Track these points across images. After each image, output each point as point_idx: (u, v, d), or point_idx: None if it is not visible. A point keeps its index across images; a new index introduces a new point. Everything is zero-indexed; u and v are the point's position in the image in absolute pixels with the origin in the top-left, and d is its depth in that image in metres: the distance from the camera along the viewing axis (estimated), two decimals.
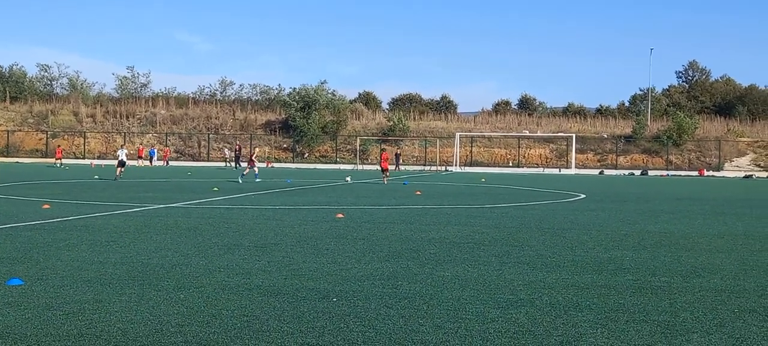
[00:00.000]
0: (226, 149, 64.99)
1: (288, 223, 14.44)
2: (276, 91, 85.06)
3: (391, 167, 58.54)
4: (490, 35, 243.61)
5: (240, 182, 32.95)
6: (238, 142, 60.23)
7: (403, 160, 63.94)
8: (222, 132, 72.35)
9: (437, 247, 11.21)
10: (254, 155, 35.63)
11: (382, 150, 35.54)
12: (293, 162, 66.34)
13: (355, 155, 65.53)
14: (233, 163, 54.81)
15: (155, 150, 64.13)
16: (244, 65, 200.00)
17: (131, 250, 10.43)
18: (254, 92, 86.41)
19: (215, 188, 26.40)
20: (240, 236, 12.17)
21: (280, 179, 36.99)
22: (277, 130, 71.43)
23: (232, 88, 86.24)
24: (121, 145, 37.42)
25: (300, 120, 67.87)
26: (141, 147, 64.53)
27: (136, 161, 60.00)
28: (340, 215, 15.99)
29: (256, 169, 35.20)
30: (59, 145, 63.66)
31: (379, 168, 36.85)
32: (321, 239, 11.91)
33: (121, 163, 34.03)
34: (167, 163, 61.25)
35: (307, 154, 68.35)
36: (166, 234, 12.31)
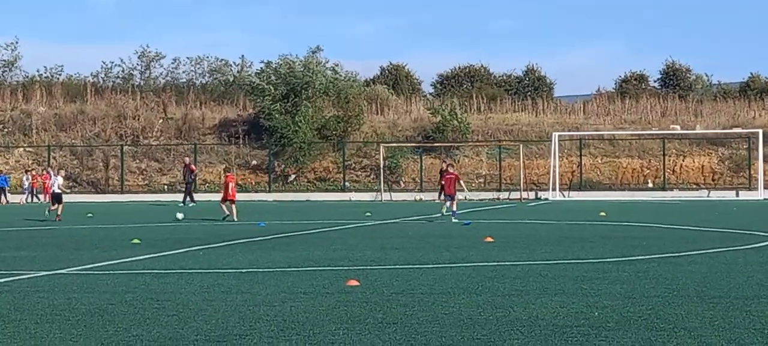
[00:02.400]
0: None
1: (263, 298, 14.44)
2: (237, 69, 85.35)
3: (425, 198, 58.87)
4: None
5: (179, 217, 35.84)
6: (189, 159, 60.53)
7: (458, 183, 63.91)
8: (145, 141, 72.89)
9: (526, 337, 11.20)
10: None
11: (448, 166, 40.90)
12: (269, 190, 66.57)
13: (378, 176, 65.67)
14: (184, 197, 55.00)
15: (30, 177, 64.51)
16: (180, 25, 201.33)
17: None
18: (200, 71, 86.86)
19: (135, 240, 26.51)
20: (181, 325, 12.18)
21: (248, 220, 37.12)
22: (241, 135, 71.77)
23: (161, 66, 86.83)
24: (58, 170, 41.79)
25: (280, 117, 68.20)
26: None
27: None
28: (354, 282, 15.99)
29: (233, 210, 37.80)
30: None
31: (441, 195, 39.88)
32: (320, 327, 11.92)
33: (56, 198, 38.89)
34: (47, 197, 61.59)
35: (294, 175, 68.63)
36: (52, 324, 12.36)
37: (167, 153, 71.36)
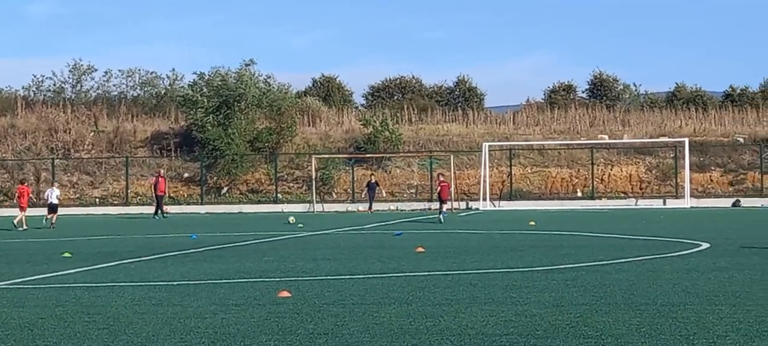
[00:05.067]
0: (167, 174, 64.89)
1: (194, 310, 14.39)
2: (169, 81, 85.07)
3: (359, 208, 60.59)
4: None
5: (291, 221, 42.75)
6: (161, 170, 59.99)
7: (386, 193, 64.10)
8: (77, 154, 72.30)
9: None
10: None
11: (441, 178, 47.22)
12: (202, 202, 66.29)
13: (310, 187, 65.62)
14: (155, 211, 54.55)
15: None
16: (112, 38, 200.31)
17: None
18: (131, 84, 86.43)
19: (66, 253, 26.29)
20: (111, 338, 12.11)
21: (179, 232, 36.93)
22: (173, 148, 71.44)
23: (93, 79, 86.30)
24: (52, 184, 46.71)
25: (212, 129, 67.93)
26: None
27: None
28: (286, 293, 15.98)
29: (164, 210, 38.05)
30: None
31: (437, 199, 46.61)
32: (251, 339, 11.89)
33: (52, 208, 43.77)
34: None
35: (226, 188, 68.40)
36: None
37: (99, 166, 70.85)
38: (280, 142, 70.02)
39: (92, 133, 73.47)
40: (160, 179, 56.04)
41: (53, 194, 45.11)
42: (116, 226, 44.14)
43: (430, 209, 59.01)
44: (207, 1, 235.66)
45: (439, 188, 45.60)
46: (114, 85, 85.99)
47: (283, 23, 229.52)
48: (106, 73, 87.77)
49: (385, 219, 46.38)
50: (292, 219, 43.82)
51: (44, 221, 43.54)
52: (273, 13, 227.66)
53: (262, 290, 17.00)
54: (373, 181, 61.60)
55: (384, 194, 63.44)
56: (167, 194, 59.78)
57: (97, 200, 67.68)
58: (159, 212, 53.70)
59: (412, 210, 59.20)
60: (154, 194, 55.44)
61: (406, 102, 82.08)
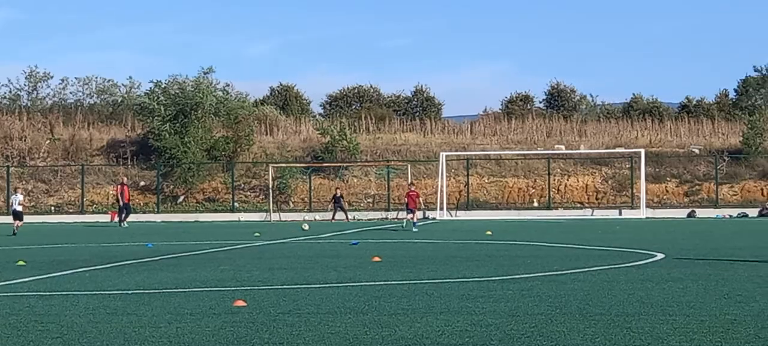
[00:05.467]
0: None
1: (149, 319, 14.31)
2: (126, 89, 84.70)
3: (321, 219, 60.27)
4: None
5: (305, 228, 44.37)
6: (124, 179, 59.59)
7: (349, 203, 64.08)
8: (32, 162, 71.86)
9: None
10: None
11: (409, 185, 50.73)
12: (158, 211, 66.01)
13: (267, 196, 65.46)
14: (118, 216, 54.23)
15: None
16: (68, 44, 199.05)
17: None
18: (88, 92, 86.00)
19: (20, 262, 26.13)
20: None
21: (135, 241, 36.75)
22: (130, 156, 71.16)
23: (49, 86, 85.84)
24: (15, 189, 46.77)
25: (169, 138, 67.72)
26: None
27: None
28: (241, 302, 15.92)
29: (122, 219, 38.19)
30: None
31: (405, 208, 47.90)
32: None
33: (16, 215, 44.07)
34: None
35: (183, 196, 68.16)
36: None
37: (54, 174, 70.48)
38: (237, 151, 69.97)
39: (48, 141, 73.11)
40: (124, 187, 55.72)
41: (16, 201, 45.25)
42: (71, 234, 43.85)
43: (386, 218, 59.04)
44: (159, 9, 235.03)
45: (407, 199, 47.08)
46: (70, 93, 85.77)
47: (236, 31, 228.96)
48: (62, 80, 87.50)
49: (342, 229, 46.37)
50: (306, 226, 45.77)
51: (15, 230, 43.31)
52: (225, 21, 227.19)
53: (217, 299, 16.94)
54: (339, 194, 61.38)
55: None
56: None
57: (53, 208, 67.35)
58: (124, 220, 53.37)
59: (369, 219, 59.19)
60: (122, 203, 55.00)
61: (364, 111, 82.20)
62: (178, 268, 23.93)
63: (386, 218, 59.57)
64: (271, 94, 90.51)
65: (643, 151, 63.69)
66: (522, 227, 46.98)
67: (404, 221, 46.30)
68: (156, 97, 70.67)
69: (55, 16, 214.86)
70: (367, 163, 70.10)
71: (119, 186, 56.24)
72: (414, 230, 43.44)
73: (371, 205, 66.20)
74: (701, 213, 60.86)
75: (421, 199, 51.97)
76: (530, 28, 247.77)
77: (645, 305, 15.38)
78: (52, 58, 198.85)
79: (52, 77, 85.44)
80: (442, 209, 62.38)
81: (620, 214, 61.75)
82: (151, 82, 72.95)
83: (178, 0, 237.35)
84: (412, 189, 48.13)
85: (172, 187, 68.46)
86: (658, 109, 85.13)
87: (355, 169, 69.53)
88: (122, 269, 23.60)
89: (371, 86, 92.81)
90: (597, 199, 66.58)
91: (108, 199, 67.55)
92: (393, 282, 19.64)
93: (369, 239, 36.62)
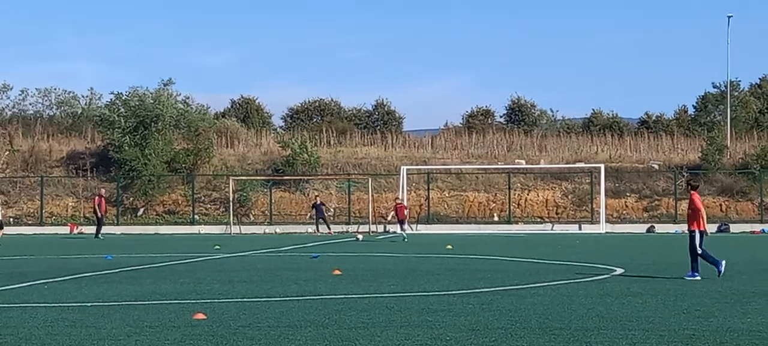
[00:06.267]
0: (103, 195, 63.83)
1: (108, 332, 14.25)
2: (86, 101, 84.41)
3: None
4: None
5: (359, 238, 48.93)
6: (102, 190, 59.13)
7: (308, 216, 64.03)
8: None
9: None
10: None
11: (397, 200, 53.86)
12: (118, 223, 65.70)
13: (228, 208, 65.27)
14: (97, 228, 53.83)
15: None
16: (27, 55, 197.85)
17: None
18: (47, 103, 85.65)
19: None
20: None
21: (94, 253, 36.54)
22: (90, 168, 70.79)
23: (8, 97, 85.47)
24: None
25: (129, 150, 67.43)
26: None
27: None
28: (201, 315, 15.88)
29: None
30: None
31: (395, 219, 50.96)
32: None
33: None
34: None
35: (143, 209, 67.85)
36: None
37: (13, 186, 69.97)
38: (197, 164, 69.71)
39: (7, 153, 72.63)
40: (102, 199, 55.39)
41: None
42: (30, 246, 43.53)
43: (347, 231, 58.97)
44: (114, 18, 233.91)
45: (393, 211, 50.91)
46: (30, 104, 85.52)
47: (194, 41, 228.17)
48: (22, 92, 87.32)
49: (303, 241, 46.29)
50: (360, 236, 50.42)
51: None
52: (182, 31, 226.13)
53: (177, 312, 16.87)
54: (319, 202, 60.87)
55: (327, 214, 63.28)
56: (83, 215, 59.12)
57: (11, 219, 66.80)
58: (100, 233, 52.97)
59: (329, 235, 59.14)
60: (99, 214, 54.52)
61: (325, 125, 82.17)
62: (137, 280, 23.81)
63: (346, 232, 59.46)
64: (232, 106, 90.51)
65: (602, 166, 63.92)
66: (482, 241, 47.04)
67: (403, 234, 48.69)
68: (116, 109, 70.35)
69: (12, 25, 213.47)
70: (327, 177, 70.00)
71: (97, 198, 55.92)
72: (404, 239, 46.74)
73: (332, 218, 66.12)
74: (660, 228, 61.08)
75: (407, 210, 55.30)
76: (491, 41, 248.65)
77: (604, 319, 15.46)
78: (8, 68, 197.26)
79: (11, 88, 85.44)
80: (402, 223, 62.28)
81: (580, 229, 61.90)
82: (112, 93, 72.85)
83: (132, 10, 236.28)
84: (399, 202, 52.24)
85: (132, 199, 68.09)
86: (618, 125, 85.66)
87: (315, 183, 69.39)
88: (81, 282, 23.45)
89: (332, 100, 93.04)
90: (557, 213, 66.77)
91: (67, 210, 67.12)
92: (353, 296, 19.64)
93: (329, 253, 36.59)
